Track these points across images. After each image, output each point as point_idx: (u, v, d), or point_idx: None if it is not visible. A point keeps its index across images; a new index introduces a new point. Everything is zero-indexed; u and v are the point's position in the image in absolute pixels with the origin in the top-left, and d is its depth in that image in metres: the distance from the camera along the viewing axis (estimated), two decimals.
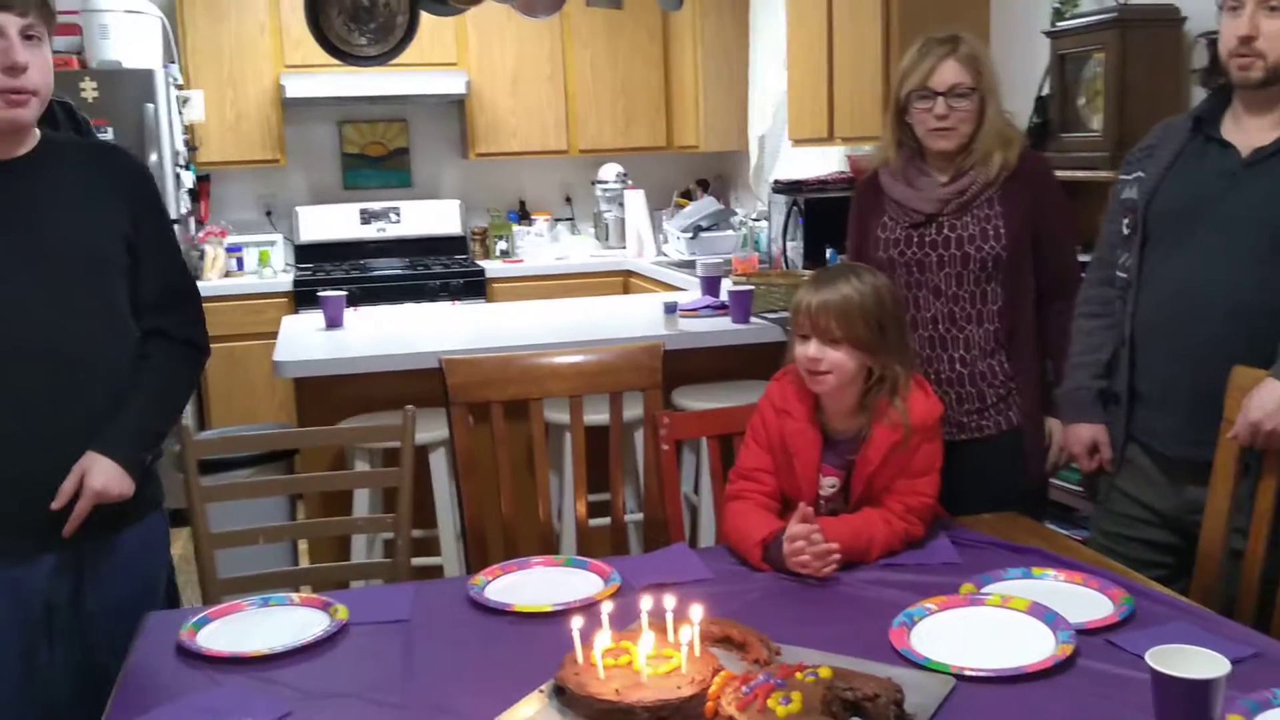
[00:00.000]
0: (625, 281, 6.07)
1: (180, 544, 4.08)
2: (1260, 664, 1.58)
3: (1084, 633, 1.68)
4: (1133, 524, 2.27)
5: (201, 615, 1.89)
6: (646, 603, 1.62)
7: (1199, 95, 2.74)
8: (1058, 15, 3.56)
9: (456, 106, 6.20)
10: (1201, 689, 1.31)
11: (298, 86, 5.64)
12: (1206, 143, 2.15)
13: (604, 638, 1.56)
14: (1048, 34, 3.44)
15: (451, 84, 5.87)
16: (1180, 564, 2.17)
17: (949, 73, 2.44)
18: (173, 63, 5.39)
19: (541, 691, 1.56)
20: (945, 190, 2.50)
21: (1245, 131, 2.10)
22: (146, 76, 4.95)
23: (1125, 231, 2.24)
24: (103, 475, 1.96)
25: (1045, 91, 3.47)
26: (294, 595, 1.99)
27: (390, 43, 4.68)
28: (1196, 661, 1.35)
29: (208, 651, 1.75)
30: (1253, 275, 2.03)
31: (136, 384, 2.05)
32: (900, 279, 2.54)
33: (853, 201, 2.75)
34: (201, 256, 5.64)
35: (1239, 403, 1.99)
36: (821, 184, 4.88)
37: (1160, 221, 2.16)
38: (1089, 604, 1.80)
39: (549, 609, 1.87)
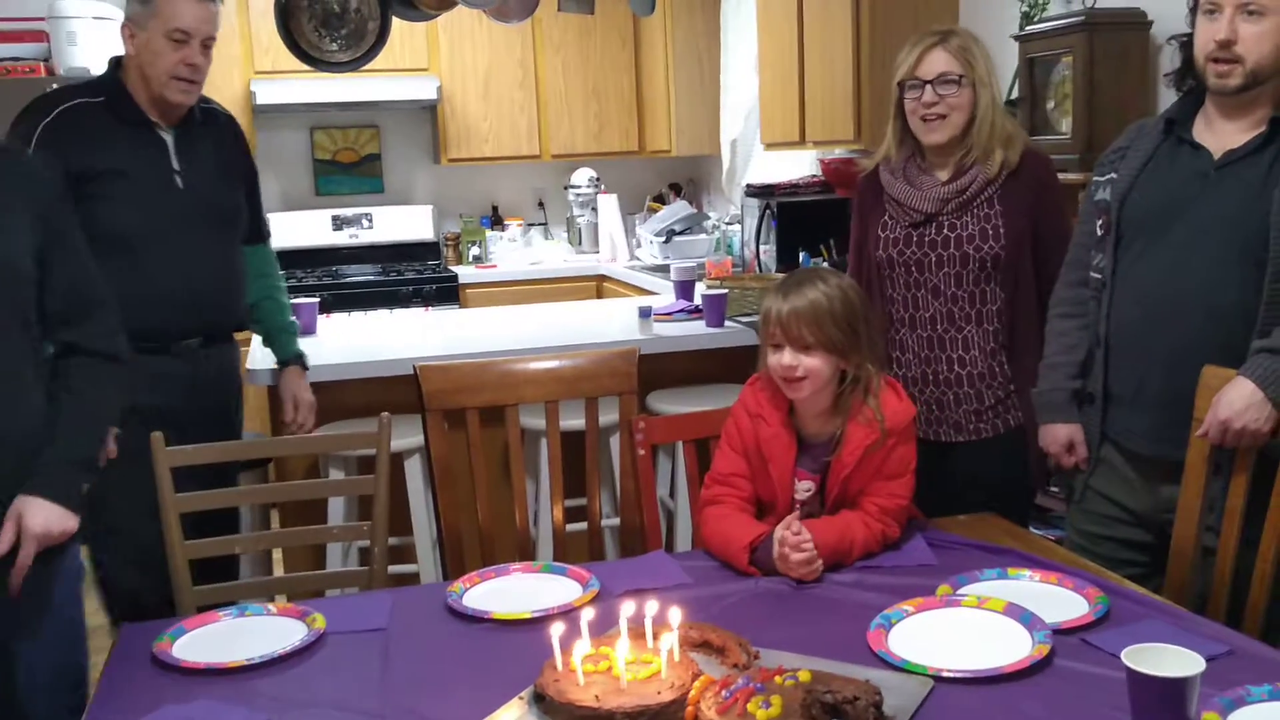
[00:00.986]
0: (599, 286, 6.06)
1: None
2: (1234, 661, 1.60)
3: (1060, 632, 1.70)
4: (1107, 523, 2.29)
5: (177, 626, 1.88)
6: (625, 608, 1.62)
7: (1166, 97, 2.77)
8: (1026, 19, 3.59)
9: (428, 112, 6.18)
10: (1177, 687, 1.32)
11: (268, 93, 5.61)
12: (1178, 145, 2.17)
13: (583, 644, 1.56)
14: (1016, 38, 3.47)
15: (423, 89, 5.86)
16: (1154, 562, 2.19)
17: (937, 61, 2.45)
18: None
19: (521, 698, 1.56)
20: (946, 189, 2.50)
21: (1217, 134, 2.12)
22: None
23: (1099, 233, 2.26)
24: (41, 516, 1.88)
25: (1014, 95, 3.50)
26: (271, 605, 1.98)
27: (361, 48, 4.65)
28: (1171, 660, 1.36)
29: (184, 663, 1.74)
30: (1225, 276, 2.05)
31: (58, 410, 1.97)
32: (899, 278, 2.55)
33: (854, 199, 2.74)
34: None
35: (1209, 401, 2.01)
36: (794, 187, 4.90)
37: (1134, 223, 2.18)
38: (1064, 604, 1.81)
39: (528, 616, 1.87)
